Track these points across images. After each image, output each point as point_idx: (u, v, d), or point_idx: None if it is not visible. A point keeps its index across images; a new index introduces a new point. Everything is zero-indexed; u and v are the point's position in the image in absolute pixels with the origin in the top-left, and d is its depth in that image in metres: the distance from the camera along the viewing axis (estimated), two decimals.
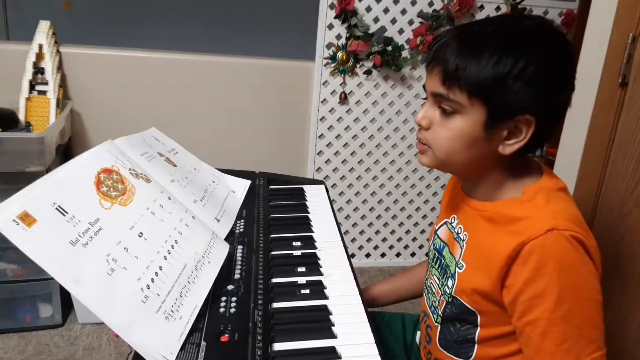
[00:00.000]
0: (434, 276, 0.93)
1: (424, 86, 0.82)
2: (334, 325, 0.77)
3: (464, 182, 0.90)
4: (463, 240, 0.86)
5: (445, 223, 0.93)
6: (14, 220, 0.59)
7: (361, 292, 0.86)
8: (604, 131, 1.14)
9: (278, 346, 0.72)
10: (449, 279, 0.87)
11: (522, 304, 0.74)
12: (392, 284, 1.15)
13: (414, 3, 1.99)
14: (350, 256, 0.98)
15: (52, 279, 1.74)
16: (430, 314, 0.93)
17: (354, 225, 2.30)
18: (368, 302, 0.87)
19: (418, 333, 1.07)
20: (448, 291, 0.86)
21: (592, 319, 0.73)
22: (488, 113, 0.74)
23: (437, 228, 0.96)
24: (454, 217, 0.91)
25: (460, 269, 0.84)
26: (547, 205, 0.75)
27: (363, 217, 2.29)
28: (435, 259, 0.94)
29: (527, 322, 0.75)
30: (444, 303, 0.88)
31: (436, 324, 0.91)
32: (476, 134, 0.76)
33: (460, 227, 0.88)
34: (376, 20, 1.98)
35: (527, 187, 0.79)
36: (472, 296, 0.81)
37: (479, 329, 0.83)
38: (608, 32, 1.12)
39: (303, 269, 0.91)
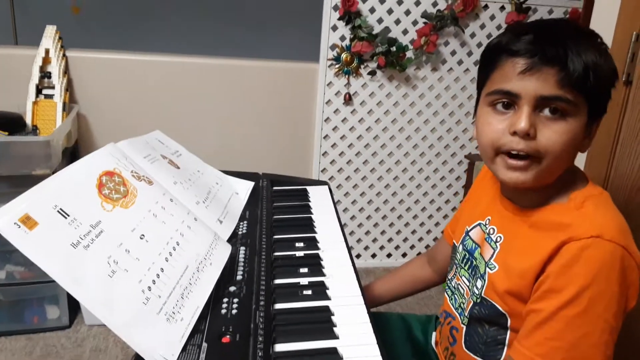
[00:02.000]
0: (463, 277, 0.92)
1: (505, 91, 0.73)
2: (335, 326, 0.77)
3: (506, 188, 0.86)
4: (496, 242, 0.85)
5: (479, 224, 0.91)
6: (15, 223, 0.60)
7: (364, 293, 0.86)
8: (609, 131, 1.13)
9: (279, 347, 0.72)
10: (479, 280, 0.86)
11: (537, 293, 0.74)
12: (389, 284, 1.16)
13: (417, 3, 1.98)
14: (355, 256, 0.98)
15: None
16: (457, 315, 0.92)
17: (360, 225, 2.29)
18: (370, 301, 0.86)
19: (433, 334, 1.06)
20: (477, 292, 0.86)
21: (595, 338, 0.70)
22: (588, 113, 0.73)
23: (469, 229, 0.94)
24: (488, 219, 0.89)
25: (492, 270, 0.83)
26: (597, 213, 0.74)
27: (369, 217, 2.29)
28: (465, 260, 0.92)
29: (532, 309, 0.74)
30: (471, 304, 0.87)
31: (462, 325, 0.90)
32: (581, 136, 0.74)
33: (493, 228, 0.87)
34: (380, 21, 1.98)
35: (574, 193, 0.77)
36: (504, 297, 0.80)
37: (509, 332, 0.82)
38: (612, 30, 1.11)
39: (305, 270, 0.91)
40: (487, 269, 0.84)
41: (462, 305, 0.91)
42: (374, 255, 2.36)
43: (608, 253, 0.69)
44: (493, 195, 0.91)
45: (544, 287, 0.73)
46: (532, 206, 0.81)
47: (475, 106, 0.83)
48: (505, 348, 0.82)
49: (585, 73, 0.70)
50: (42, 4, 2.83)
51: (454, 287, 0.95)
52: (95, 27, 2.98)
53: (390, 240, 2.35)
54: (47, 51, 1.82)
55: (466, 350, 0.89)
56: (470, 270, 0.90)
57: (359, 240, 2.32)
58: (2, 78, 1.87)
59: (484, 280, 0.84)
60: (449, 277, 0.98)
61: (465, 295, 0.90)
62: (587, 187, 0.79)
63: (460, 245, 0.95)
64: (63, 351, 1.72)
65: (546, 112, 0.72)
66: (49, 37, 1.84)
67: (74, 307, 1.84)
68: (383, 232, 2.33)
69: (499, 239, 0.85)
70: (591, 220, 0.72)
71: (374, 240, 2.34)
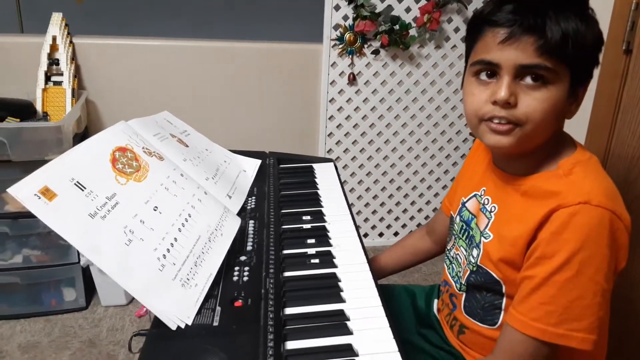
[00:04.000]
0: (461, 247, 0.94)
1: (486, 61, 0.75)
2: (342, 291, 0.80)
3: (497, 156, 0.89)
4: (490, 212, 0.87)
5: (475, 195, 0.94)
6: (35, 194, 0.63)
7: (369, 261, 0.89)
8: (610, 99, 1.14)
9: (289, 310, 0.75)
10: (474, 249, 0.89)
11: (530, 260, 0.77)
12: (392, 255, 1.19)
13: None
14: (363, 236, 1.01)
15: (74, 264, 1.80)
16: (453, 283, 0.96)
17: (367, 205, 2.32)
18: (375, 273, 0.89)
19: (435, 302, 1.10)
20: (473, 260, 0.89)
21: (588, 300, 0.72)
22: (571, 79, 0.75)
23: (465, 200, 0.96)
24: (483, 190, 0.92)
25: (487, 239, 0.86)
26: (585, 180, 0.76)
27: (375, 197, 2.32)
28: (462, 231, 0.95)
29: (525, 276, 0.77)
30: (468, 272, 0.90)
31: (460, 292, 0.93)
32: (564, 102, 0.76)
33: (487, 199, 0.90)
34: None
35: (563, 160, 0.79)
36: (498, 265, 0.83)
37: (505, 298, 0.85)
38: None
39: (312, 241, 0.94)
40: (482, 238, 0.87)
41: (458, 273, 0.94)
42: (381, 234, 2.40)
43: (596, 218, 0.71)
44: (486, 166, 0.93)
45: (536, 254, 0.76)
46: (523, 174, 0.83)
47: (463, 77, 0.85)
48: (502, 312, 0.85)
49: (564, 41, 0.71)
50: None
51: (453, 257, 0.98)
52: (98, 15, 3.00)
53: (397, 218, 2.38)
54: (54, 38, 1.85)
55: (466, 315, 0.92)
56: (467, 240, 0.93)
57: (366, 220, 2.35)
58: (11, 66, 1.90)
59: (480, 249, 0.87)
60: (448, 248, 1.01)
61: (462, 264, 0.93)
62: (576, 153, 0.81)
63: (458, 217, 0.98)
64: (81, 331, 1.78)
65: (527, 80, 0.74)
66: (56, 24, 1.86)
67: (90, 289, 1.89)
68: (390, 211, 2.36)
69: (493, 209, 0.87)
70: (579, 186, 0.74)
71: (381, 219, 2.37)
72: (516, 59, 0.73)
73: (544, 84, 0.73)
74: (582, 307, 0.73)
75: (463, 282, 0.92)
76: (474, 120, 0.80)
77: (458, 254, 0.95)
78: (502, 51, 0.74)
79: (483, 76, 0.78)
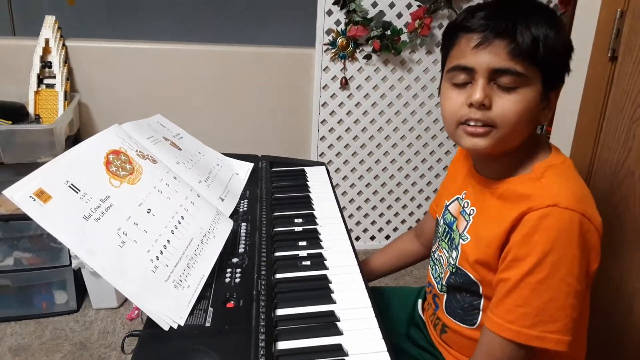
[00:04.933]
0: (444, 249, 0.96)
1: (461, 66, 0.78)
2: (333, 292, 0.81)
3: (476, 160, 0.91)
4: (469, 215, 0.90)
5: (457, 199, 0.96)
6: (30, 196, 0.64)
7: (359, 263, 0.91)
8: (595, 105, 1.16)
9: (280, 311, 0.76)
10: (454, 251, 0.91)
11: (504, 263, 0.78)
12: (382, 258, 1.20)
13: None
14: (355, 239, 1.02)
15: (66, 266, 1.80)
16: (435, 284, 0.98)
17: (359, 208, 2.34)
18: (366, 276, 0.90)
19: (419, 302, 1.12)
20: (452, 262, 0.91)
21: (561, 302, 0.74)
22: (543, 82, 0.77)
23: (448, 204, 0.99)
24: (464, 193, 0.94)
25: (464, 241, 0.88)
26: (555, 183, 0.78)
27: (367, 200, 2.33)
28: (445, 233, 0.97)
29: (500, 279, 0.79)
30: (448, 273, 0.92)
31: (441, 292, 0.95)
32: (537, 106, 0.78)
33: (467, 202, 0.92)
34: (374, 4, 2.01)
35: (537, 164, 0.81)
36: (474, 266, 0.85)
37: (482, 299, 0.87)
38: (597, 7, 1.14)
39: (304, 243, 0.96)
40: (461, 240, 0.90)
41: (440, 275, 0.96)
42: (372, 238, 2.41)
43: (565, 220, 0.73)
44: (467, 170, 0.96)
45: (509, 256, 0.78)
46: (499, 177, 0.85)
47: (440, 85, 0.87)
48: (481, 313, 0.87)
49: (534, 45, 0.74)
50: None
51: (436, 259, 1.00)
52: (90, 18, 3.00)
53: (388, 222, 2.40)
54: (47, 41, 1.85)
55: (447, 315, 0.94)
56: (449, 242, 0.95)
57: (358, 223, 2.36)
58: (3, 68, 1.90)
59: (458, 251, 0.90)
60: (433, 250, 1.03)
61: (444, 265, 0.96)
62: (550, 157, 0.83)
63: (442, 220, 1.00)
64: (72, 334, 1.77)
65: (500, 83, 0.76)
66: (49, 27, 1.86)
67: (81, 291, 1.89)
68: (381, 215, 2.38)
69: (472, 212, 0.90)
70: (549, 190, 0.76)
71: (373, 222, 2.38)
72: (490, 62, 0.76)
73: (516, 87, 0.76)
74: (556, 308, 0.74)
75: (444, 283, 0.94)
76: (451, 125, 0.82)
77: (441, 255, 0.98)
78: (476, 55, 0.77)
79: (458, 81, 0.80)
